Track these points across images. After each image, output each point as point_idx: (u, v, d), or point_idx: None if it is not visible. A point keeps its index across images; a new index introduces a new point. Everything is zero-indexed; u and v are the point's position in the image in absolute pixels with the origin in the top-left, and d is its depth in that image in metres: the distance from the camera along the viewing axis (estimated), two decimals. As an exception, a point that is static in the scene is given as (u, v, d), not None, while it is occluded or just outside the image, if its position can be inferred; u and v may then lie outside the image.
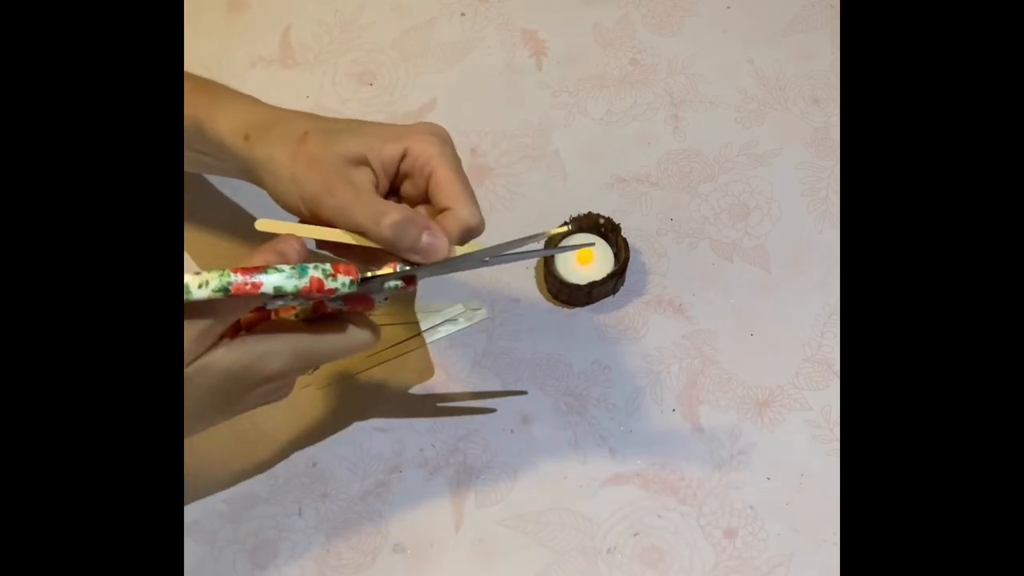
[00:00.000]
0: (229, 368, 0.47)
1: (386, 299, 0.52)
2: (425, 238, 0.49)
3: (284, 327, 0.50)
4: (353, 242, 0.50)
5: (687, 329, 0.65)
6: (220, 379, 0.47)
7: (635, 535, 0.59)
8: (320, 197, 0.49)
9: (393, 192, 0.53)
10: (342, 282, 0.47)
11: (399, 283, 0.49)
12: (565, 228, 0.62)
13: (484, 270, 0.67)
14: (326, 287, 0.46)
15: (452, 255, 0.50)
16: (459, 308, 0.66)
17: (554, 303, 0.66)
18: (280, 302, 0.49)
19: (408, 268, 0.49)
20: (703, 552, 0.59)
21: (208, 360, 0.47)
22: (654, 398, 0.63)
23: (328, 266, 0.46)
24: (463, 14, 0.78)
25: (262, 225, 0.50)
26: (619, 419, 0.62)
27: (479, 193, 0.70)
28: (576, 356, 0.65)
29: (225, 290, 0.45)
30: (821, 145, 0.72)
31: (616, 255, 0.66)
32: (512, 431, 0.62)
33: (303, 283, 0.46)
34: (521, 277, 0.67)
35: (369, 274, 0.49)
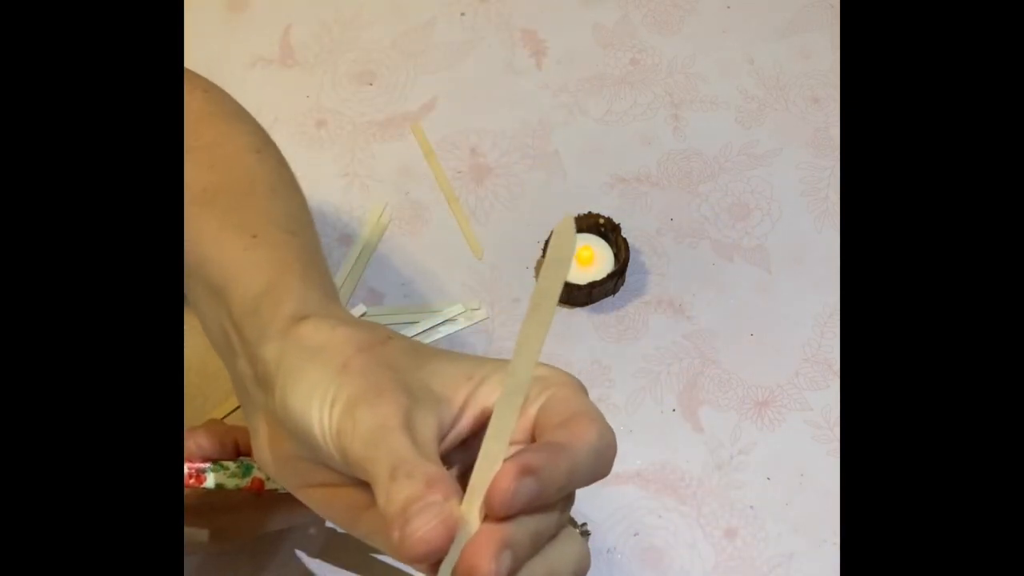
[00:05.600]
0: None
1: None
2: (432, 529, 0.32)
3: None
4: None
5: (687, 329, 0.65)
6: None
7: (635, 535, 0.59)
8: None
9: None
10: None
11: None
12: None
13: (483, 266, 0.67)
14: (266, 488, 0.47)
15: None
16: (458, 308, 0.66)
17: (554, 303, 0.66)
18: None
19: None
20: (703, 552, 0.59)
21: None
22: (654, 398, 0.63)
23: None
24: (463, 14, 0.78)
25: None
26: (619, 419, 0.62)
27: (479, 193, 0.71)
28: (576, 356, 0.64)
29: None
30: (821, 145, 0.72)
31: (616, 255, 0.66)
32: (512, 431, 0.62)
33: (244, 483, 0.47)
34: (521, 277, 0.67)
35: None
